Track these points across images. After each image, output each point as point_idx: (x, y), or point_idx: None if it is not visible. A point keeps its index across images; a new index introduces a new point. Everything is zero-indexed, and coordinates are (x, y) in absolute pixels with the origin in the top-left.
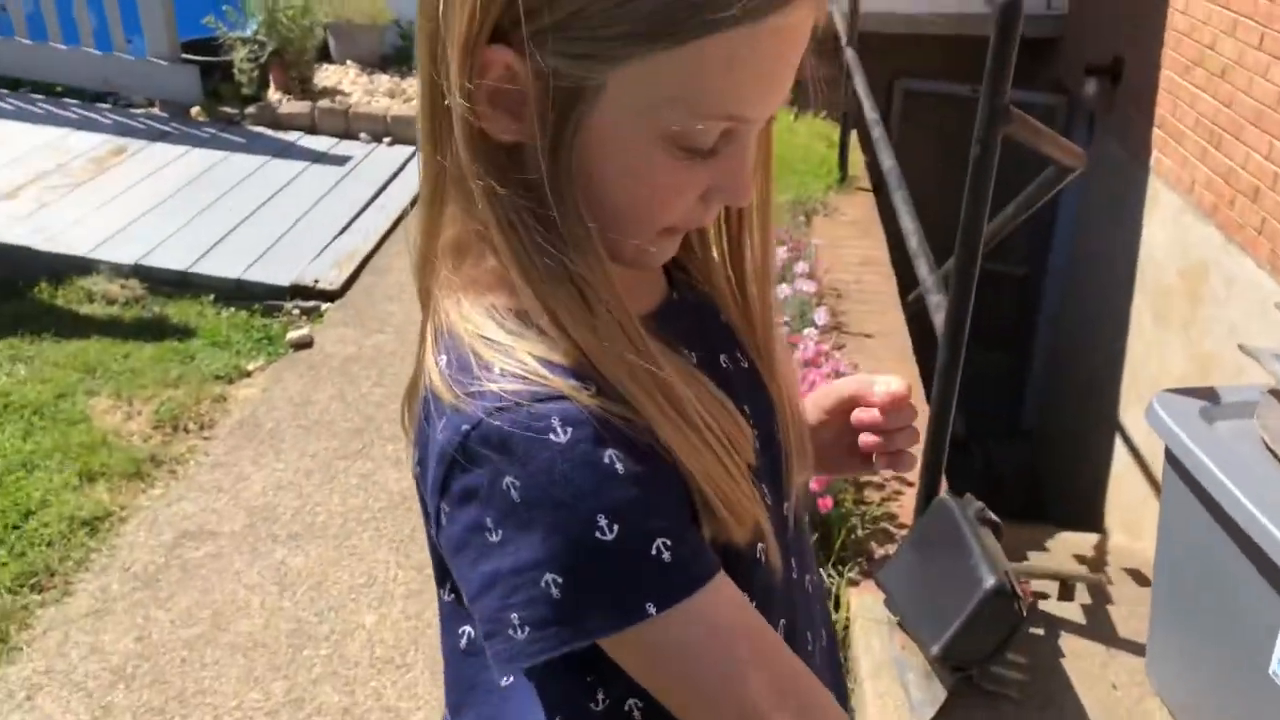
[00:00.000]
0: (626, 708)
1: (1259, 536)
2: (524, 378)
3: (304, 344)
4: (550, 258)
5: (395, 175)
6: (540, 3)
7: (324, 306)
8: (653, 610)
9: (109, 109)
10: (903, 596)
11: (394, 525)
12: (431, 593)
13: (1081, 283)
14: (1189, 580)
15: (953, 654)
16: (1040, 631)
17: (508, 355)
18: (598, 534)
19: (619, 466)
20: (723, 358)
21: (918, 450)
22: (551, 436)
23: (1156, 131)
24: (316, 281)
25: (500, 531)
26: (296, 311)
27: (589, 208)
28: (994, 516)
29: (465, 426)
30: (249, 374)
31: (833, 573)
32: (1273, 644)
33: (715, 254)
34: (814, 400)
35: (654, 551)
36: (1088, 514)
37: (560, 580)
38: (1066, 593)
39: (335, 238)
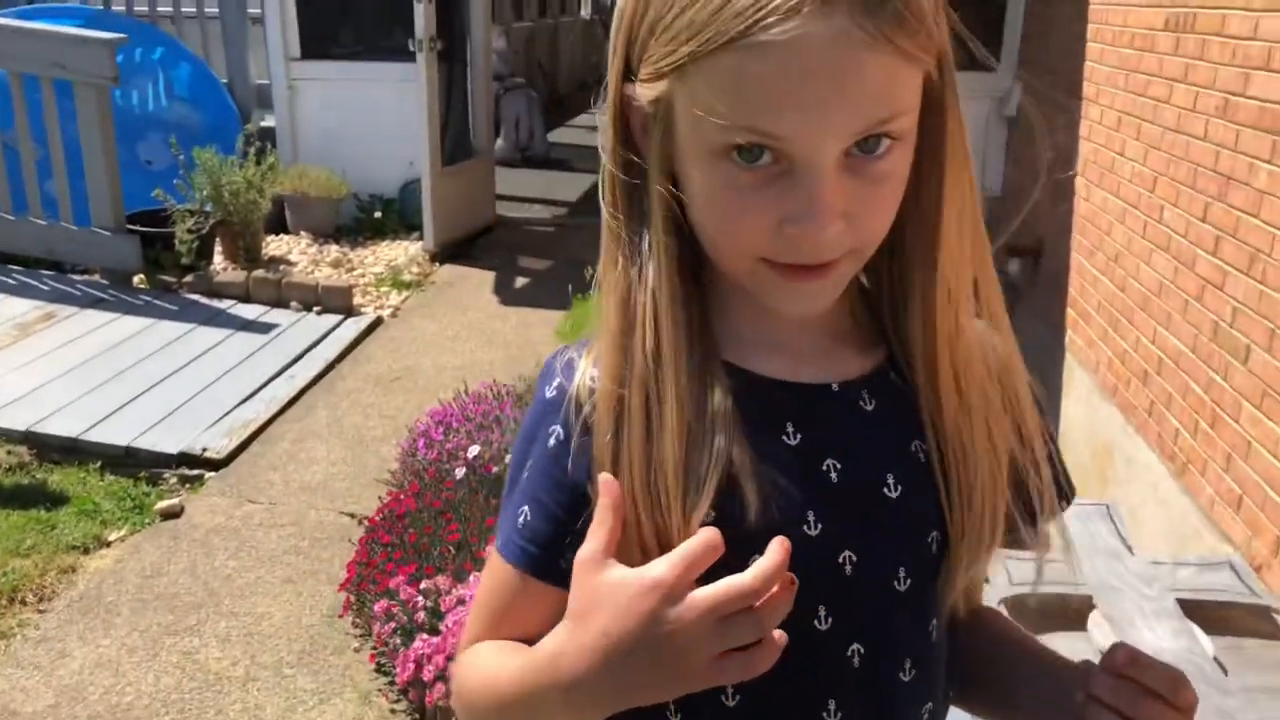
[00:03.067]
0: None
1: None
2: (583, 345)
3: (172, 514)
4: (623, 268)
5: (314, 344)
6: (637, 46)
7: (207, 475)
8: (497, 546)
9: (51, 276)
10: None
11: (198, 708)
12: None
13: None
14: None
15: None
16: None
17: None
18: (521, 474)
19: (550, 440)
20: (832, 464)
21: None
22: (547, 388)
23: (1070, 312)
24: (205, 450)
25: None
26: (175, 480)
27: (698, 234)
28: None
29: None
30: (108, 544)
31: None
32: None
33: (915, 327)
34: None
35: (518, 511)
36: None
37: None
38: None
39: (236, 406)
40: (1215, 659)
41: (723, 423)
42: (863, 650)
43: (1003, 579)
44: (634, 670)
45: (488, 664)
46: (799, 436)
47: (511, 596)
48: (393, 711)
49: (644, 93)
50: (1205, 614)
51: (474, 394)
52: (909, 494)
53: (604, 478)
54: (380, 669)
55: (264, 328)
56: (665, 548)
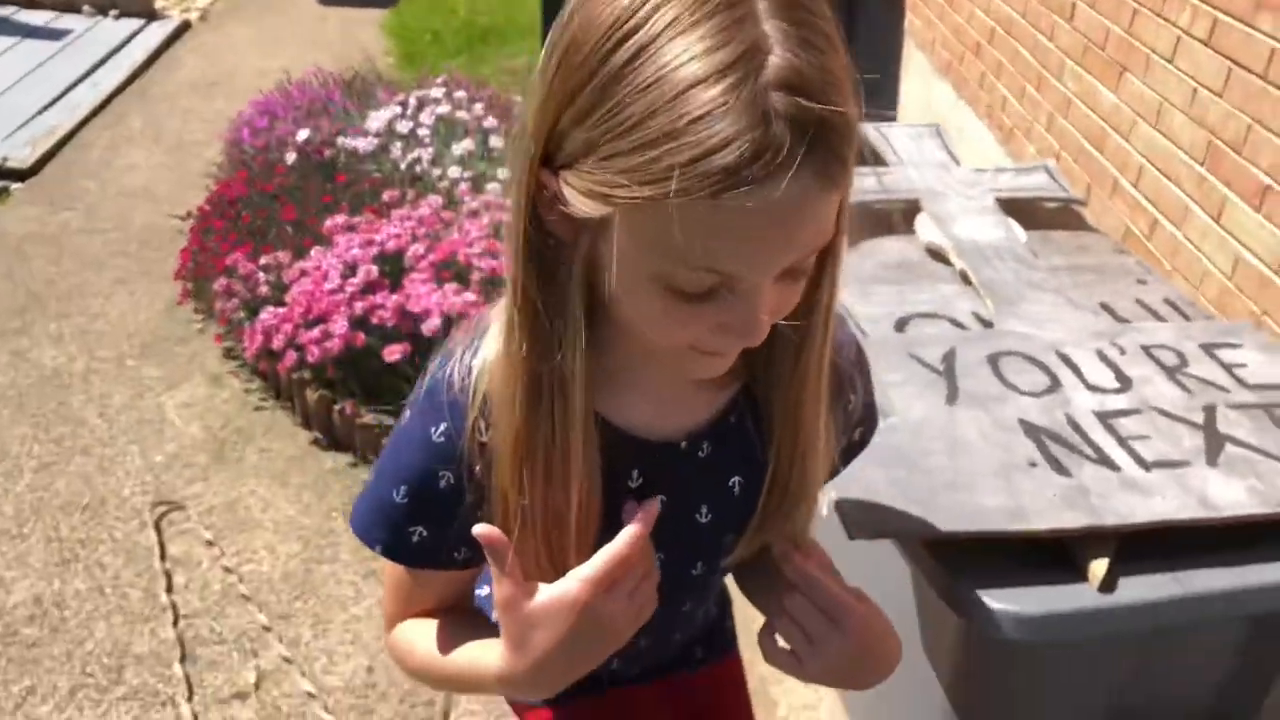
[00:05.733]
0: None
1: None
2: (466, 377)
3: None
4: (529, 348)
5: (116, 51)
6: (563, 142)
7: (13, 186)
8: (379, 550)
9: None
10: None
11: (39, 400)
12: (61, 466)
13: None
14: None
15: None
16: None
17: (478, 360)
18: (394, 493)
19: (440, 483)
20: (661, 498)
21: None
22: (433, 429)
23: None
24: (6, 160)
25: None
26: None
27: (617, 315)
28: None
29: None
30: None
31: None
32: None
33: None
34: None
35: (410, 530)
36: None
37: (370, 497)
38: None
39: (37, 114)
40: (1027, 245)
41: (596, 474)
42: (659, 605)
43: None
44: (579, 659)
45: (426, 649)
46: (640, 480)
47: (416, 585)
48: (246, 390)
49: (580, 204)
50: (1021, 210)
51: (298, 82)
52: (715, 519)
53: (480, 531)
54: (229, 354)
55: (54, 34)
56: (559, 566)
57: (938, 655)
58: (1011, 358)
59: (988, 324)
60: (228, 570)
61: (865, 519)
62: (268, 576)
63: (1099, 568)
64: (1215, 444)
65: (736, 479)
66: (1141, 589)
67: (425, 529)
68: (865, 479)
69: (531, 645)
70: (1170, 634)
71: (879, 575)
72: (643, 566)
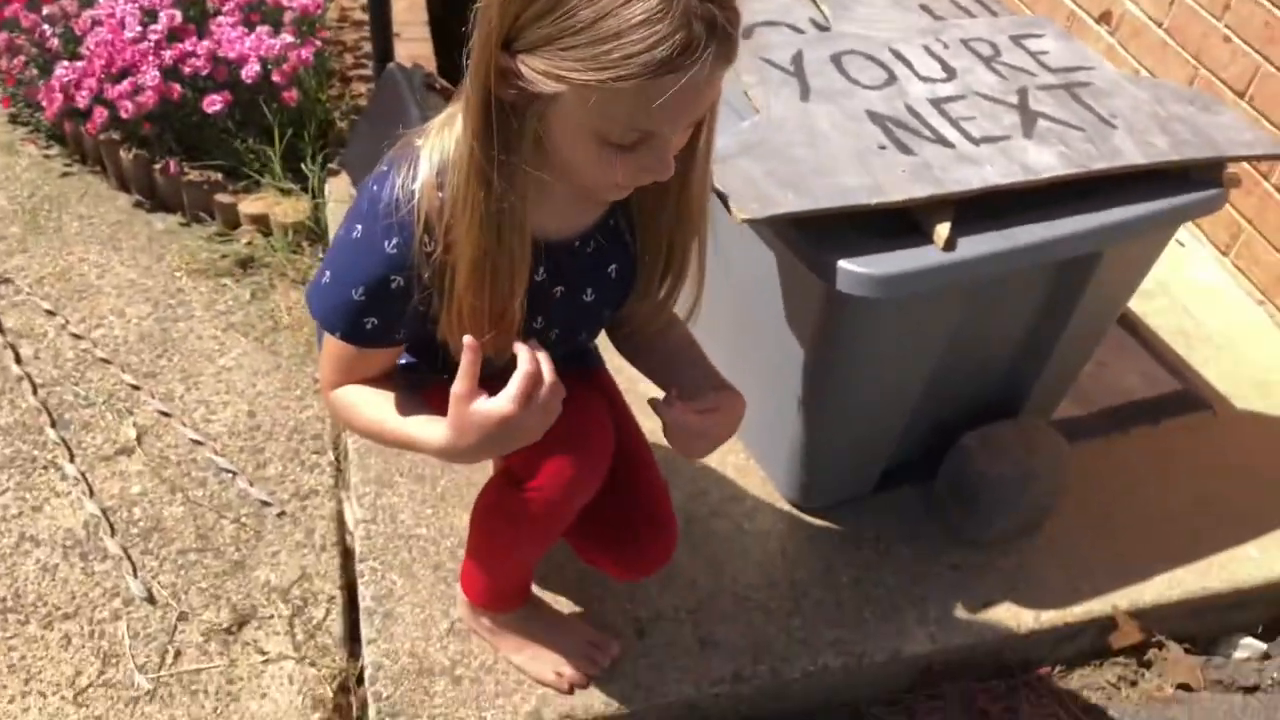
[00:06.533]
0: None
1: None
2: (410, 200)
3: None
4: (486, 193)
5: None
6: (521, 34)
7: None
8: (338, 335)
9: None
10: (359, 171)
11: None
12: None
13: None
14: None
15: None
16: None
17: (417, 185)
18: (353, 293)
19: (392, 285)
20: (560, 289)
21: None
22: (386, 243)
23: None
24: None
25: (342, 233)
26: None
27: (556, 161)
28: (443, 83)
29: (373, 179)
30: None
31: (312, 168)
32: None
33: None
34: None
35: (365, 320)
36: None
37: (329, 293)
38: None
39: None
40: None
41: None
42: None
43: None
44: (503, 448)
45: (374, 414)
46: (544, 274)
47: (360, 357)
48: (47, 156)
49: (539, 82)
50: None
51: None
52: (597, 298)
53: (467, 340)
54: (16, 119)
55: None
56: (502, 347)
57: (801, 321)
58: (852, 56)
59: (824, 29)
60: (77, 337)
61: (749, 204)
62: (123, 339)
63: (943, 230)
64: (1029, 120)
65: (614, 266)
66: (977, 245)
67: (377, 319)
68: (743, 171)
69: (468, 436)
70: (996, 283)
71: (750, 261)
72: (549, 387)
